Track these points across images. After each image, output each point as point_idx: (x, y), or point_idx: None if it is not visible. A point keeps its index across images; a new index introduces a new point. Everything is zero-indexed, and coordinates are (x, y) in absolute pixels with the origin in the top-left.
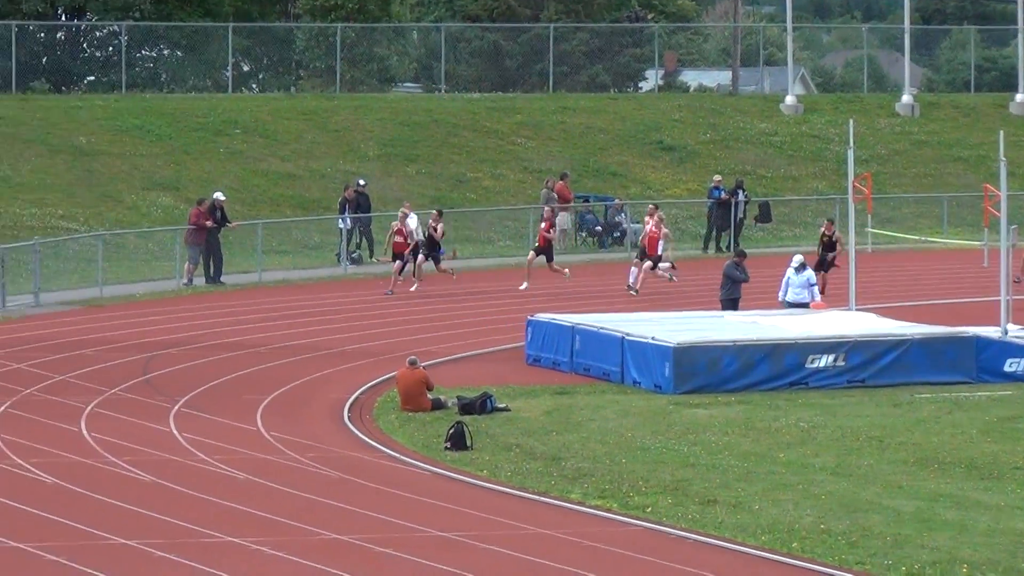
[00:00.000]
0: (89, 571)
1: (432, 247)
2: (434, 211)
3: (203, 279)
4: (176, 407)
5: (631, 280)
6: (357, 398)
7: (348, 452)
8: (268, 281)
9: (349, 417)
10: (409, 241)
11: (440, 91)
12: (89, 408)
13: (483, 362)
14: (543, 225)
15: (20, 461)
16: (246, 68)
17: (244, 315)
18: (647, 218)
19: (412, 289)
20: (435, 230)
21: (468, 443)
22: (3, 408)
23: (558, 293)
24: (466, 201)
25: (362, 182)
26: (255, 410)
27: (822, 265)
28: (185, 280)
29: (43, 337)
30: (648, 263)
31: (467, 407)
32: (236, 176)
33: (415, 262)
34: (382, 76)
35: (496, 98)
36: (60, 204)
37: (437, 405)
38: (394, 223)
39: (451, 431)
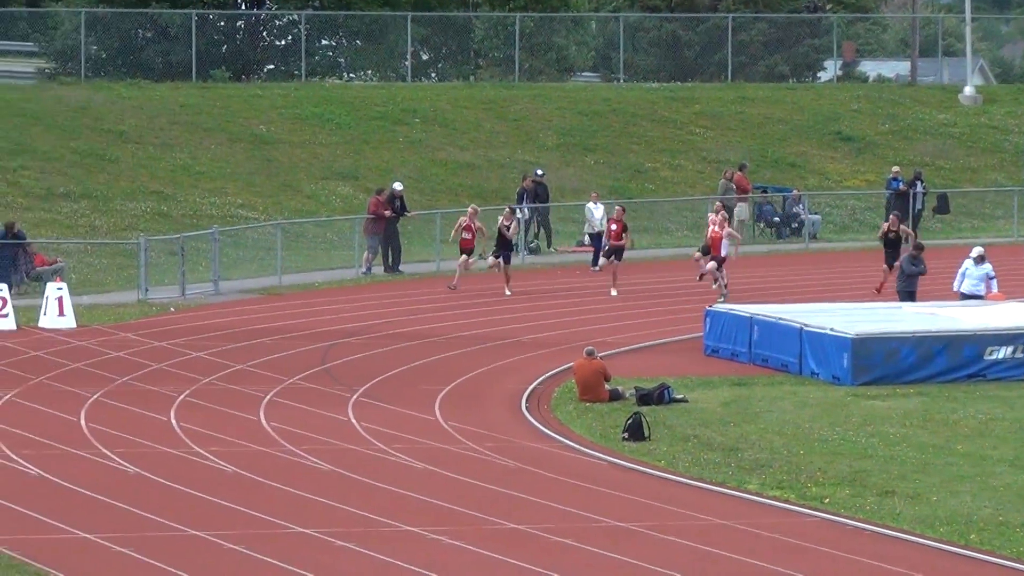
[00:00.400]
0: (268, 560)
1: (504, 246)
2: (506, 208)
3: (381, 268)
4: (354, 396)
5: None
6: (534, 388)
7: (525, 442)
8: (446, 270)
9: (526, 407)
10: (589, 231)
11: (618, 80)
12: (267, 397)
13: (661, 353)
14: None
15: (199, 449)
16: (425, 57)
17: (422, 304)
18: (712, 215)
19: (507, 294)
20: (507, 228)
21: (646, 434)
22: (182, 397)
23: (735, 286)
24: (644, 191)
25: (540, 172)
26: (433, 399)
27: (888, 261)
28: (363, 269)
29: (222, 325)
30: (712, 264)
31: (645, 398)
32: (415, 165)
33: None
34: (561, 65)
35: (674, 88)
36: (240, 193)
37: (615, 396)
38: (462, 219)
39: (629, 421)
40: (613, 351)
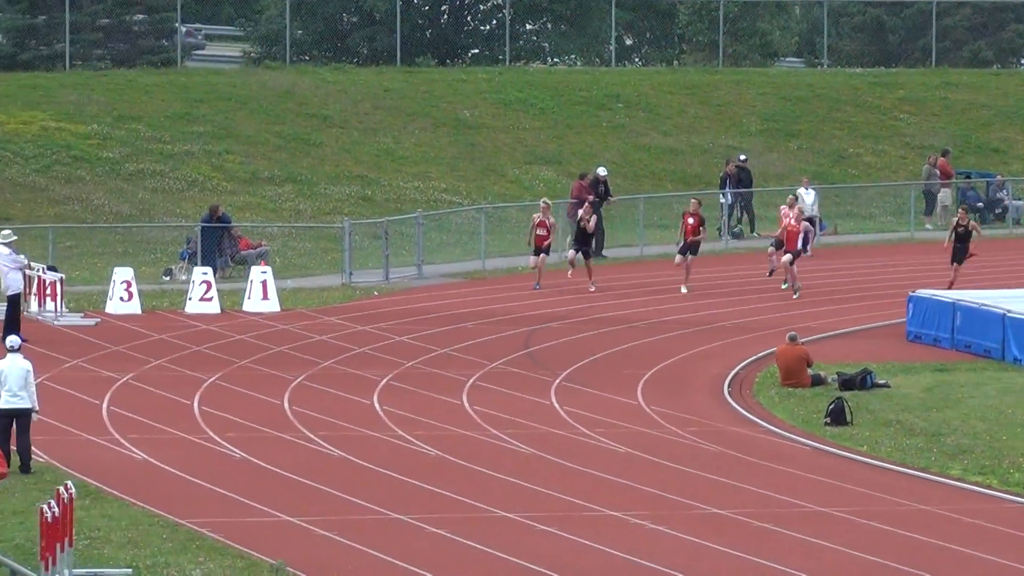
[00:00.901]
0: (470, 543)
1: (583, 240)
2: (586, 203)
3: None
4: (557, 381)
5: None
6: (736, 373)
7: (728, 427)
8: (649, 255)
9: (729, 392)
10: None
11: (822, 66)
12: (471, 381)
13: (863, 338)
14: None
15: (403, 433)
16: (629, 42)
17: (625, 289)
18: (785, 209)
19: (591, 289)
20: (587, 222)
21: (848, 419)
22: (385, 380)
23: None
24: (847, 177)
25: (743, 157)
26: (635, 384)
27: (956, 257)
28: (567, 254)
29: (425, 309)
30: (787, 257)
31: (847, 383)
32: (618, 150)
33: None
34: (765, 51)
35: (878, 73)
36: (443, 177)
37: (817, 381)
38: (536, 215)
39: (831, 406)
40: (815, 336)
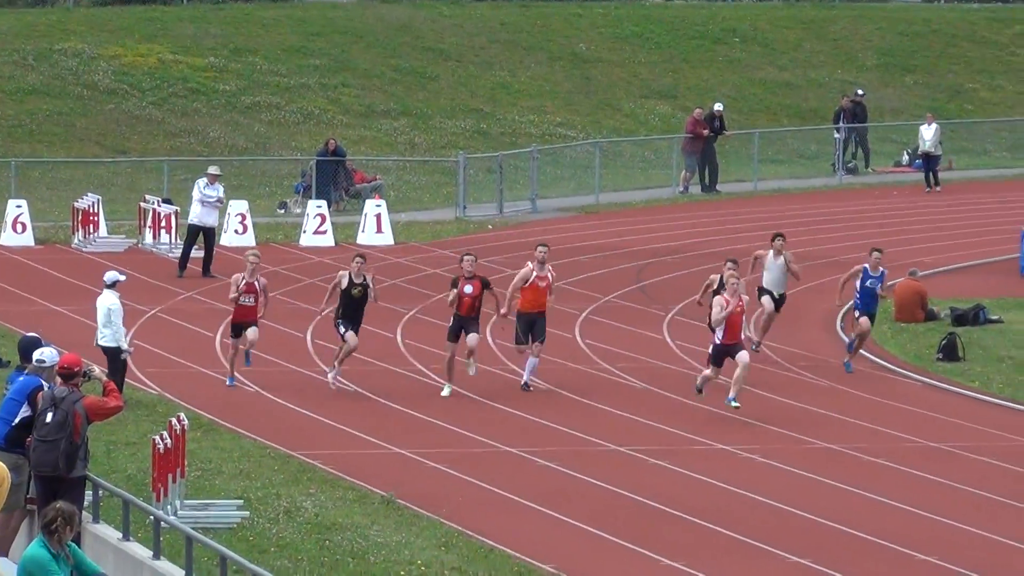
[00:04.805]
0: (581, 476)
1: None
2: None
3: (699, 188)
4: (669, 315)
5: None
6: (849, 308)
7: (840, 361)
8: (763, 190)
9: (841, 327)
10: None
11: (939, 1)
12: (583, 315)
13: (977, 273)
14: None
15: (513, 367)
16: None
17: (739, 224)
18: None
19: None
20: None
21: (960, 354)
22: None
23: None
24: (962, 112)
25: (860, 92)
26: (746, 320)
27: None
28: (681, 188)
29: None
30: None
31: (960, 318)
32: (733, 85)
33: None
34: None
35: (995, 8)
36: (558, 111)
37: (930, 316)
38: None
39: (943, 342)
40: (929, 271)
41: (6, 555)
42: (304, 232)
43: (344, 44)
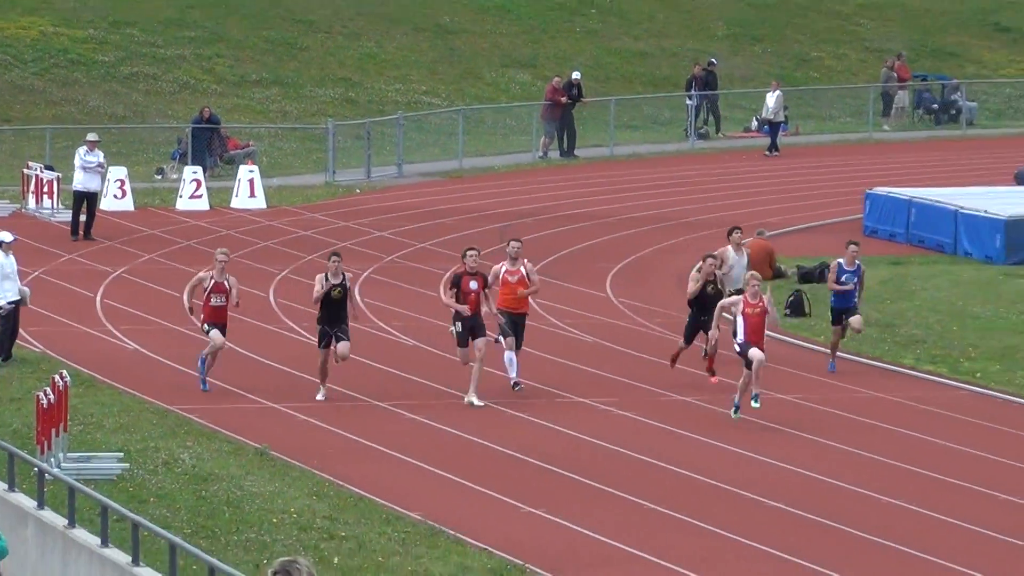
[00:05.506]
0: (447, 428)
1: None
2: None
3: (558, 153)
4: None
5: None
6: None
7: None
8: (619, 155)
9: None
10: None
11: None
12: (447, 274)
13: (822, 233)
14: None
15: (382, 324)
16: None
17: (595, 187)
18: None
19: None
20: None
21: (807, 310)
22: (367, 273)
23: (896, 169)
24: (809, 80)
25: (713, 60)
26: (604, 278)
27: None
28: (541, 153)
29: (405, 206)
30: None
31: (806, 276)
32: (591, 54)
33: None
34: None
35: None
36: (423, 80)
37: (778, 274)
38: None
39: (790, 298)
40: (777, 231)
41: None
42: (181, 197)
43: (218, 16)
